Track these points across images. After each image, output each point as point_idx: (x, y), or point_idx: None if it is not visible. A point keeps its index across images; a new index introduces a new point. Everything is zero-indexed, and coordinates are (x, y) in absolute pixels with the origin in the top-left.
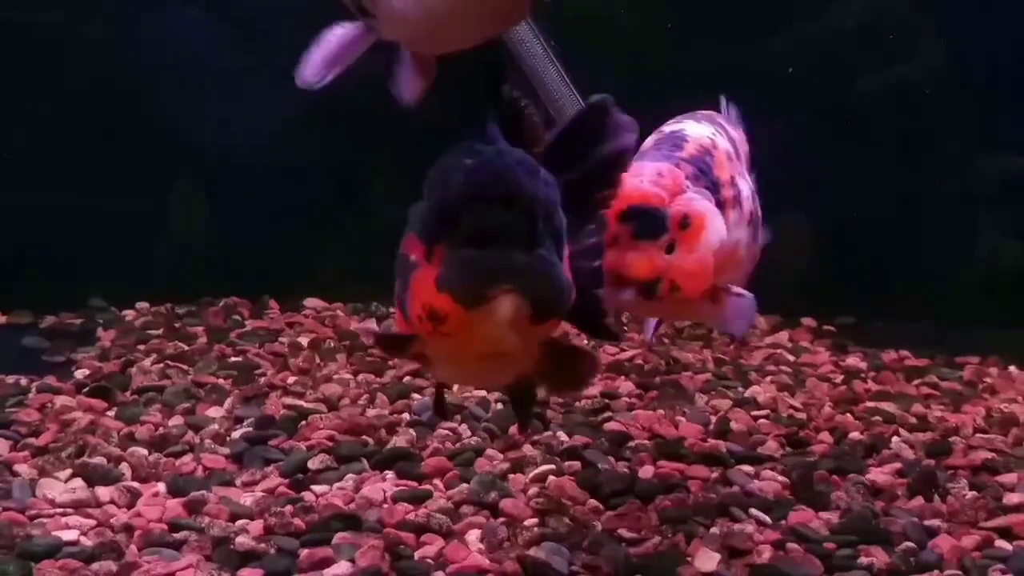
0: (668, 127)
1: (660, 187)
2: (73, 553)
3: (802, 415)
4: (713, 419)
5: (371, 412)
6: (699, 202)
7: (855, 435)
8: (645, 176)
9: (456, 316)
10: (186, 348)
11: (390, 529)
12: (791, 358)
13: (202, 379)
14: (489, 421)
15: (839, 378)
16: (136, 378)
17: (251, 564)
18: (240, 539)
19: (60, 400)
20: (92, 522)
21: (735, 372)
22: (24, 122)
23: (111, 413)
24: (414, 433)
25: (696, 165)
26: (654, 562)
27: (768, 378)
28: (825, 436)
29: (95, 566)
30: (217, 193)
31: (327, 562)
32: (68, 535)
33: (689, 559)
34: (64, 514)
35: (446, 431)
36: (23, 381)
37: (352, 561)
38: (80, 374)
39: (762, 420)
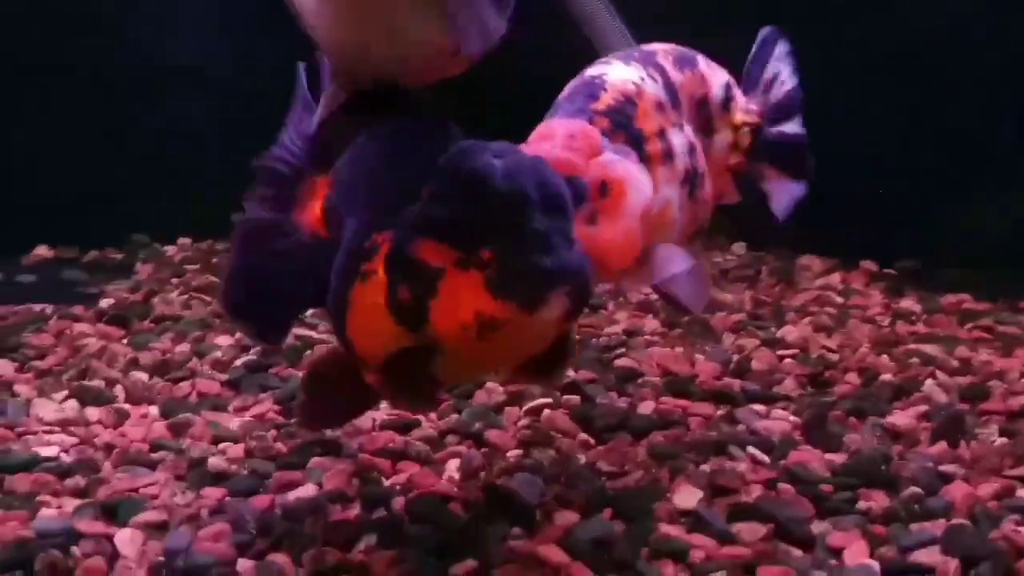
0: (590, 70)
1: (573, 151)
2: (49, 468)
3: (834, 355)
4: (735, 358)
5: None
6: (618, 164)
7: (886, 376)
8: (556, 140)
9: (515, 321)
10: (214, 280)
11: (366, 456)
12: (839, 300)
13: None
14: None
15: (886, 320)
16: (157, 307)
17: (219, 483)
18: (213, 460)
19: (78, 327)
20: (75, 440)
21: (773, 313)
22: (75, 62)
23: (124, 340)
24: None
25: (613, 117)
26: (630, 496)
27: (806, 319)
28: (852, 377)
29: (67, 481)
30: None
31: (294, 484)
32: (48, 451)
33: (669, 495)
34: (50, 432)
35: None
36: (48, 310)
37: (319, 485)
38: (105, 303)
39: (788, 360)
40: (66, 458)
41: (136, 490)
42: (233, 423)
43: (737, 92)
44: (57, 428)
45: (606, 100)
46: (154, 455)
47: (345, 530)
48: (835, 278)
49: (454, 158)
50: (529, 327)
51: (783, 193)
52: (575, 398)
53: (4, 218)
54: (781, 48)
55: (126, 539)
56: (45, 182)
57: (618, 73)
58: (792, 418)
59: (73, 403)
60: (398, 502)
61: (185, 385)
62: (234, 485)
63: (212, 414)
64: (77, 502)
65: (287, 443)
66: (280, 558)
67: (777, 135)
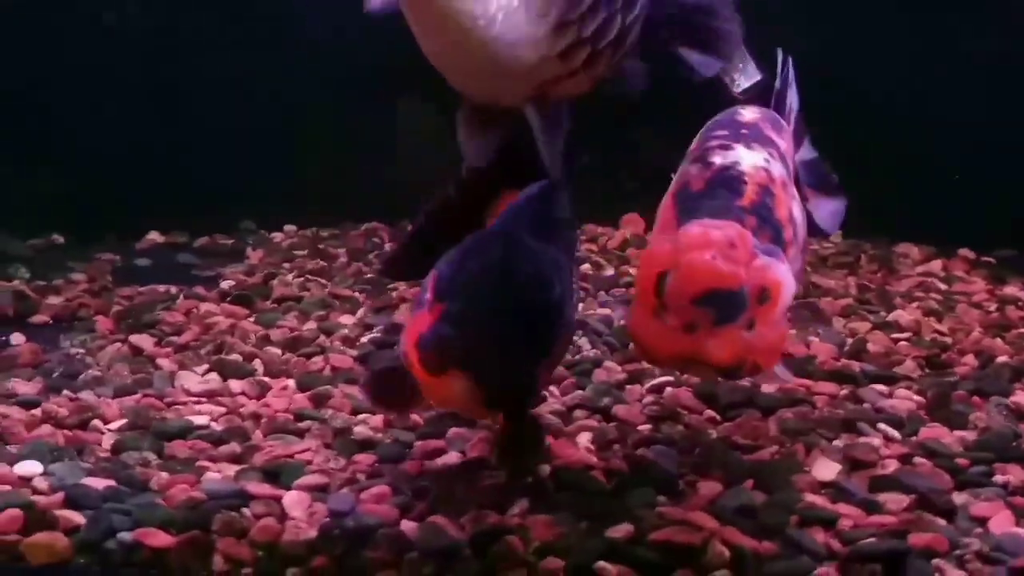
0: (717, 156)
1: (735, 262)
2: (203, 435)
3: (947, 339)
4: (849, 341)
5: None
6: (773, 268)
7: (1003, 359)
8: (715, 247)
9: (417, 371)
10: (325, 264)
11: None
12: (943, 286)
13: (339, 292)
14: (611, 336)
15: (993, 306)
16: (277, 289)
17: (366, 451)
18: (359, 428)
19: (204, 306)
20: (222, 410)
21: (879, 298)
22: (185, 49)
23: (251, 319)
24: None
25: (759, 214)
26: (768, 468)
27: (915, 303)
28: (969, 359)
29: (222, 448)
30: (358, 124)
31: (438, 452)
32: (199, 420)
33: (807, 469)
34: (198, 402)
35: None
36: (172, 290)
37: (462, 452)
38: (225, 284)
39: (902, 342)
40: (216, 427)
41: (291, 456)
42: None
43: None
44: (204, 399)
45: (749, 195)
46: (300, 424)
47: (497, 495)
48: (936, 265)
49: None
50: (432, 388)
51: (826, 210)
52: (695, 378)
53: (119, 204)
54: (791, 73)
55: (294, 500)
56: (157, 170)
57: (748, 160)
58: (916, 397)
59: (215, 376)
60: (543, 470)
61: (318, 360)
62: (382, 452)
63: (348, 387)
64: (236, 467)
65: (422, 416)
66: (440, 519)
67: (805, 162)
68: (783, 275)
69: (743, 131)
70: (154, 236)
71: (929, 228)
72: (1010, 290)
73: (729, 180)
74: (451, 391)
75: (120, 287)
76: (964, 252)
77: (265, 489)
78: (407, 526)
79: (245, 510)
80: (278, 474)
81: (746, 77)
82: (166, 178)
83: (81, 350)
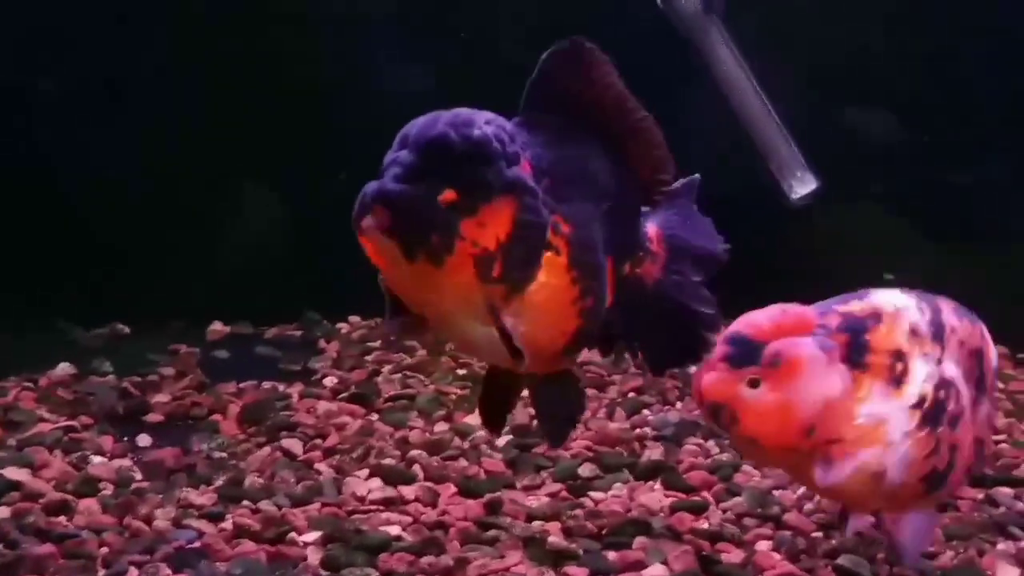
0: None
1: (773, 322)
2: (403, 547)
3: None
4: None
5: (613, 425)
6: (805, 347)
7: None
8: (776, 311)
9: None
10: (412, 360)
11: (688, 535)
12: (1000, 385)
13: (444, 388)
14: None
15: None
16: (383, 387)
17: (569, 563)
18: (552, 539)
19: (322, 405)
20: (408, 519)
21: None
22: (233, 135)
23: (373, 417)
24: (663, 447)
25: (847, 320)
26: (956, 574)
27: None
28: None
29: (424, 560)
30: None
31: (640, 564)
32: (392, 530)
33: (990, 573)
34: (379, 511)
35: (693, 446)
36: (280, 387)
37: (665, 563)
38: (328, 382)
39: (1003, 444)
40: (408, 537)
41: (507, 569)
42: (530, 501)
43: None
44: (382, 507)
45: (853, 307)
46: (486, 533)
47: None
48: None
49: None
50: (367, 250)
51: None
52: None
53: (176, 292)
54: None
55: None
56: (215, 259)
57: (887, 295)
58: None
59: (378, 482)
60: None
61: (467, 463)
62: (589, 563)
63: (508, 492)
64: None
65: (594, 522)
66: None
67: None
68: (812, 358)
69: (918, 292)
70: (218, 327)
71: None
72: None
73: (853, 295)
74: (371, 243)
75: (218, 382)
76: (1000, 350)
77: None
78: None
79: None
80: None
81: (802, 185)
82: (225, 267)
83: (223, 453)
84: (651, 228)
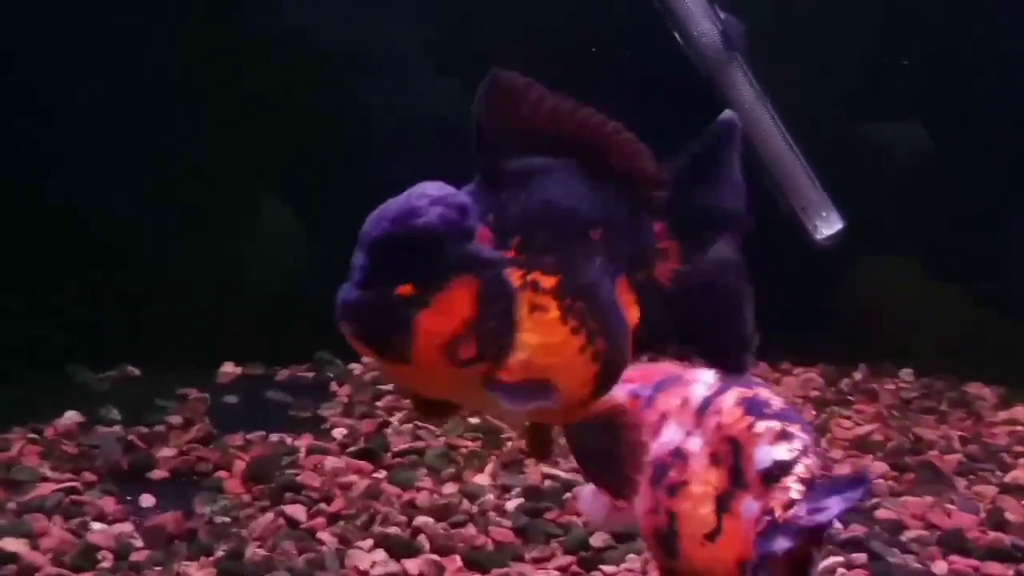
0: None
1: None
2: None
3: None
4: (981, 507)
5: None
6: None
7: None
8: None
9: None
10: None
11: None
12: None
13: (454, 441)
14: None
15: None
16: (392, 440)
17: None
18: None
19: (329, 461)
20: None
21: (983, 452)
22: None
23: (380, 475)
24: None
25: (659, 383)
26: None
27: (1020, 459)
28: None
29: None
30: None
31: None
32: None
33: None
34: None
35: None
36: (287, 440)
37: None
38: (337, 434)
39: None
40: None
41: None
42: (538, 575)
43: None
44: None
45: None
46: None
47: None
48: (1019, 412)
49: None
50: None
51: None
52: (862, 555)
53: (187, 333)
54: None
55: None
56: (225, 298)
57: (707, 374)
58: None
59: (383, 554)
60: None
61: (474, 531)
62: None
63: (517, 565)
64: None
65: None
66: None
67: None
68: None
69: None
70: (229, 368)
71: (993, 367)
72: None
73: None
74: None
75: (226, 433)
76: None
77: None
78: None
79: None
80: None
81: (827, 226)
82: (234, 306)
83: (225, 518)
84: (656, 224)
